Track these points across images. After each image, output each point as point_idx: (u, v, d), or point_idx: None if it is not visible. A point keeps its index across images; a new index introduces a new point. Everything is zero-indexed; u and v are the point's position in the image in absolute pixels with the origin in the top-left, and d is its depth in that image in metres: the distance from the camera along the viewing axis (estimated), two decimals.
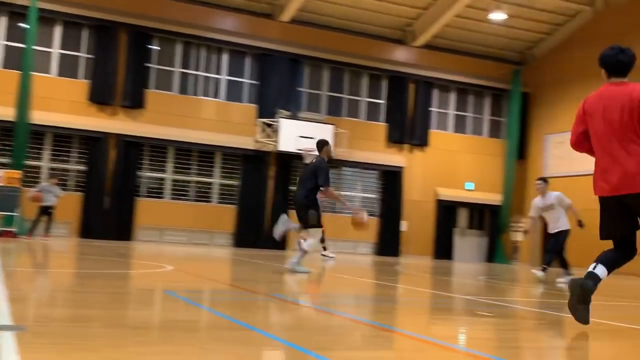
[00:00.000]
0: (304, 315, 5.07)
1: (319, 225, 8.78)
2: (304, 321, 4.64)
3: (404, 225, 22.10)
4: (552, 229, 11.08)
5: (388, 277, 10.60)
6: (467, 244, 23.28)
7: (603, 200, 4.56)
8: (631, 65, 4.76)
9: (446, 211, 22.77)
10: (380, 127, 22.28)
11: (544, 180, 11.40)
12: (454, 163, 23.01)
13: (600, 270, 4.43)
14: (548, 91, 22.77)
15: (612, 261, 4.51)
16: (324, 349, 3.29)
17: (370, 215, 21.95)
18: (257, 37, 20.58)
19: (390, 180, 22.12)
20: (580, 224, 10.76)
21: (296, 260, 8.77)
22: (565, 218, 11.04)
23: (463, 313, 5.93)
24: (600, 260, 4.48)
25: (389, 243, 21.68)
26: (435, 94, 23.16)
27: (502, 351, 3.80)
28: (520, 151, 23.34)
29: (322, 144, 9.08)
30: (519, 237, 23.26)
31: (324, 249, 15.56)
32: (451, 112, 23.44)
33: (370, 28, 22.03)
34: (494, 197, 23.21)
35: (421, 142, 22.47)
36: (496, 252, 22.99)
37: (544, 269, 11.02)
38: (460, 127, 23.51)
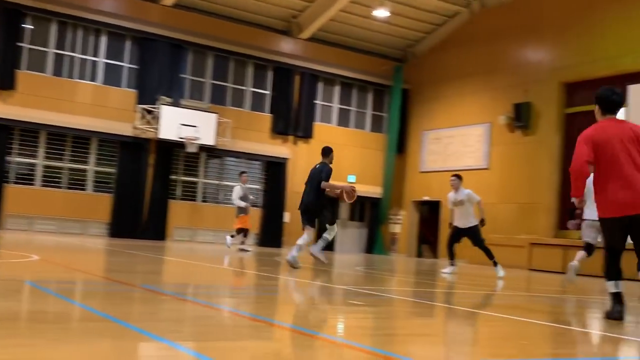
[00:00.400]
0: (171, 306, 4.91)
1: (333, 222, 10.43)
2: (171, 312, 4.49)
3: (287, 217, 22.18)
4: (463, 225, 11.64)
5: (267, 268, 10.57)
6: (348, 236, 23.72)
7: (616, 219, 5.12)
8: (622, 105, 5.50)
9: (328, 203, 23.02)
10: (265, 118, 22.19)
11: (458, 177, 11.98)
12: (337, 156, 23.01)
13: None
14: (426, 89, 23.60)
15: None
16: (185, 340, 3.18)
17: (254, 206, 21.88)
18: (138, 20, 19.84)
19: (275, 172, 22.11)
20: (482, 222, 11.48)
21: (295, 253, 9.69)
22: (473, 214, 11.62)
23: (337, 303, 5.98)
24: None
25: (271, 234, 21.68)
26: (321, 87, 23.37)
27: (373, 339, 3.84)
28: (400, 146, 24.04)
29: (328, 151, 10.54)
30: (397, 228, 24.03)
31: (242, 242, 15.90)
32: (335, 105, 23.75)
33: (257, 17, 21.86)
34: (374, 190, 23.79)
35: (306, 134, 22.60)
36: (375, 243, 23.60)
37: (452, 264, 11.69)
38: (344, 120, 23.87)
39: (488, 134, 20.99)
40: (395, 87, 23.95)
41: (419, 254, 23.50)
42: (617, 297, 5.15)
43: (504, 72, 20.71)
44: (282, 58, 22.22)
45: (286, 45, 22.52)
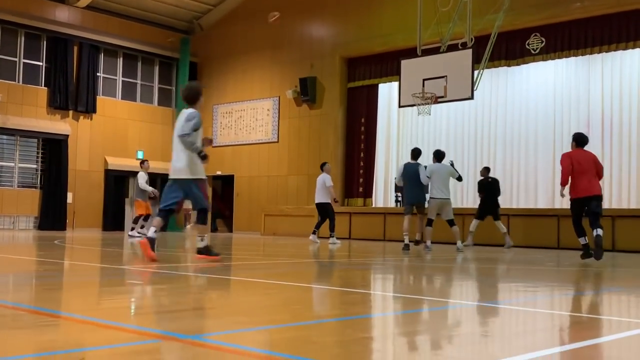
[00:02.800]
0: None
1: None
2: None
3: (70, 197, 20.81)
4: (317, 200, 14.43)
5: (42, 252, 9.80)
6: None
7: (577, 200, 9.24)
8: (586, 142, 9.55)
9: (116, 181, 22.06)
10: (41, 92, 20.50)
11: (325, 164, 14.67)
12: (123, 131, 22.34)
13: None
14: (216, 62, 23.39)
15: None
16: None
17: (32, 187, 20.23)
18: None
19: (54, 149, 20.56)
20: (335, 200, 14.50)
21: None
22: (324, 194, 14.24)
23: (114, 284, 5.69)
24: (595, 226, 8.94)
25: (53, 216, 20.22)
26: (102, 59, 22.09)
27: (140, 317, 3.68)
28: None
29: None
30: (189, 204, 23.64)
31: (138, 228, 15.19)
32: (120, 78, 22.63)
33: None
34: (165, 166, 23.09)
35: (88, 108, 21.28)
36: (168, 220, 23.02)
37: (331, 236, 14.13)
38: (129, 94, 22.84)
39: (276, 108, 21.39)
40: (183, 60, 23.42)
41: (214, 229, 23.43)
42: (585, 246, 9.21)
43: (290, 47, 21.16)
44: (58, 27, 20.62)
45: (61, 13, 20.93)
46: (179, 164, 7.69)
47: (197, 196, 7.76)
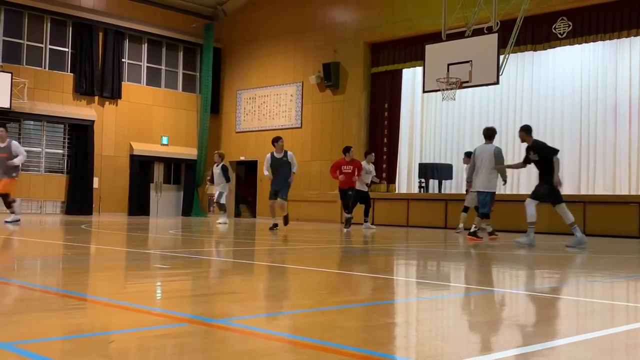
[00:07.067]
0: None
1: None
2: None
3: (96, 182, 21.06)
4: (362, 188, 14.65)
5: (70, 237, 9.95)
6: (164, 199, 23.14)
7: None
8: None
9: (141, 166, 22.26)
10: (67, 78, 20.70)
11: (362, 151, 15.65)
12: (148, 117, 22.50)
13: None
14: (239, 48, 23.40)
15: None
16: None
17: (59, 172, 20.51)
18: None
19: (80, 135, 20.78)
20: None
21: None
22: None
23: (140, 268, 5.75)
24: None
25: (80, 201, 20.48)
26: (127, 45, 22.22)
27: (167, 302, 3.72)
28: (214, 106, 23.72)
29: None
30: (214, 189, 23.85)
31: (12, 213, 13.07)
32: (144, 64, 22.75)
33: None
34: (189, 152, 23.34)
35: (113, 94, 21.46)
36: (193, 205, 23.25)
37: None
38: (154, 80, 22.97)
39: (300, 94, 21.37)
40: (207, 46, 23.47)
41: (238, 214, 23.57)
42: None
43: (314, 32, 21.09)
44: (83, 13, 20.78)
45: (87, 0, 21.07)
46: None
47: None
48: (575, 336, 2.86)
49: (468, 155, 13.97)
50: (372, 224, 15.76)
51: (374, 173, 15.25)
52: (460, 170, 19.14)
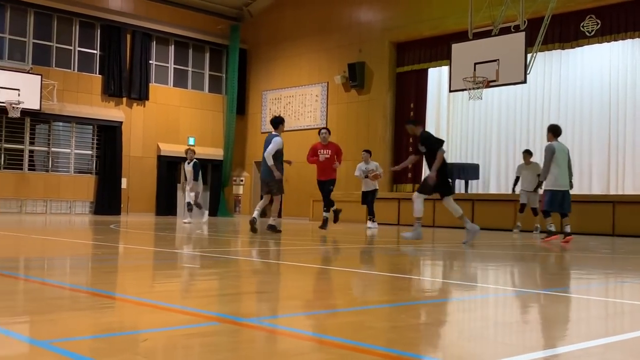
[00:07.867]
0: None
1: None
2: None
3: (124, 183, 21.31)
4: (366, 188, 14.92)
5: (99, 236, 10.08)
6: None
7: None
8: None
9: (168, 167, 22.47)
10: (95, 79, 20.98)
11: (368, 151, 14.99)
12: (175, 118, 22.71)
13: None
14: (264, 49, 23.49)
15: None
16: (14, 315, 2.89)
17: (87, 173, 20.79)
18: None
19: (108, 136, 21.06)
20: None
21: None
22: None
23: (169, 267, 5.81)
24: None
25: (108, 201, 20.75)
26: (154, 47, 22.45)
27: (195, 300, 3.75)
28: (240, 107, 23.86)
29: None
30: (240, 190, 24.00)
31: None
32: (171, 65, 22.96)
33: None
34: (215, 152, 23.49)
35: (141, 96, 21.70)
36: (219, 205, 23.40)
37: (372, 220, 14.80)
38: (181, 81, 23.17)
39: (325, 94, 21.38)
40: (233, 47, 23.60)
41: (263, 213, 23.60)
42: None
43: (339, 32, 21.09)
44: (111, 15, 21.04)
45: (114, 2, 21.35)
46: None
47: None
48: (605, 338, 2.83)
49: (529, 153, 13.94)
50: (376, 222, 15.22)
51: (379, 170, 14.74)
52: (486, 170, 18.97)
